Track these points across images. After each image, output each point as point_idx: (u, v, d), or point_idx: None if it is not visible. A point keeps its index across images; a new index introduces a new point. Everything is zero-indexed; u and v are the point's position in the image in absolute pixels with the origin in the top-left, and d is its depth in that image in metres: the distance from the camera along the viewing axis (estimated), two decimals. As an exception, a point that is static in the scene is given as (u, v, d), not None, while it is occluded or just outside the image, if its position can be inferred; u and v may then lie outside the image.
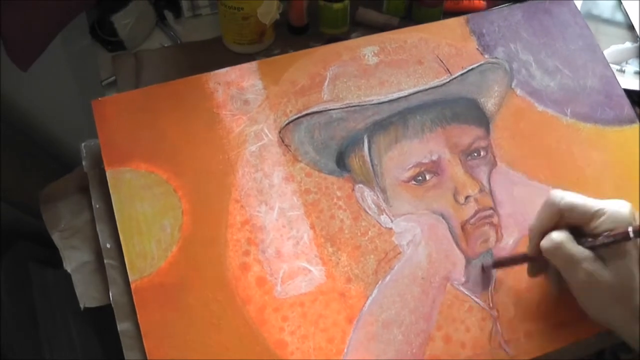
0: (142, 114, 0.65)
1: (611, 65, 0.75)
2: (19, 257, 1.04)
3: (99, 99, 0.66)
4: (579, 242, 0.53)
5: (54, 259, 0.65)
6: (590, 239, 0.53)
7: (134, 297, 0.57)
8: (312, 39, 0.86)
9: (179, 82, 0.68)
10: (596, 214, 0.53)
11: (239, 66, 0.69)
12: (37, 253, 1.07)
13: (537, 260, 0.57)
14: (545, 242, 0.54)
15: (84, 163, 0.65)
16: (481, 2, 0.89)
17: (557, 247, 0.53)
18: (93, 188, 0.64)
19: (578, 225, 0.55)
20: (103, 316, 0.61)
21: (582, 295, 0.54)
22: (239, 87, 0.68)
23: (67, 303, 1.05)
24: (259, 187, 0.63)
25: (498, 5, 0.87)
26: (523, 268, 0.60)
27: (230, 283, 0.59)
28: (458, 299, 0.61)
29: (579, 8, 0.78)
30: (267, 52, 0.84)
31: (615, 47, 0.84)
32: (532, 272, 0.60)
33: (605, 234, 0.52)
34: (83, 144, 0.66)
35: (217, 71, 0.69)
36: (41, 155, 1.10)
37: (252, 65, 0.69)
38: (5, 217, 1.00)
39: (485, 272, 0.62)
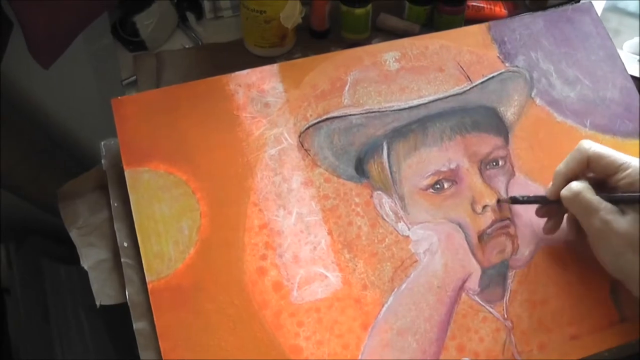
0: (161, 114, 0.65)
1: (634, 55, 0.74)
2: (33, 253, 1.05)
3: (119, 97, 0.65)
4: (599, 195, 0.56)
5: (66, 255, 0.65)
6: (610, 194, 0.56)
7: (150, 298, 0.57)
8: (333, 43, 0.86)
9: (199, 83, 0.67)
10: (621, 167, 0.56)
11: (259, 68, 0.69)
12: (51, 249, 1.08)
13: (553, 204, 0.61)
14: (565, 191, 0.58)
15: (103, 161, 0.65)
16: (502, 10, 0.89)
17: (576, 195, 0.57)
18: (112, 187, 0.64)
19: (602, 177, 0.58)
20: (115, 313, 0.62)
21: (597, 243, 0.56)
22: (259, 89, 0.67)
23: (79, 299, 1.06)
24: (277, 191, 0.63)
25: (519, 14, 0.87)
26: (539, 279, 0.61)
27: (246, 287, 0.59)
28: (473, 309, 0.61)
29: (604, 1, 0.77)
30: (287, 56, 0.84)
31: (638, 39, 0.85)
32: (548, 228, 0.62)
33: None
34: (102, 143, 0.66)
35: (237, 73, 0.68)
36: (60, 153, 1.10)
37: (273, 67, 0.69)
38: (21, 212, 1.01)
39: (499, 204, 0.64)
